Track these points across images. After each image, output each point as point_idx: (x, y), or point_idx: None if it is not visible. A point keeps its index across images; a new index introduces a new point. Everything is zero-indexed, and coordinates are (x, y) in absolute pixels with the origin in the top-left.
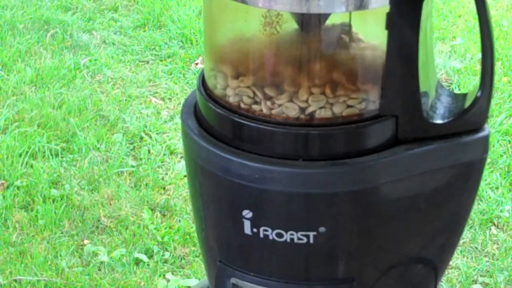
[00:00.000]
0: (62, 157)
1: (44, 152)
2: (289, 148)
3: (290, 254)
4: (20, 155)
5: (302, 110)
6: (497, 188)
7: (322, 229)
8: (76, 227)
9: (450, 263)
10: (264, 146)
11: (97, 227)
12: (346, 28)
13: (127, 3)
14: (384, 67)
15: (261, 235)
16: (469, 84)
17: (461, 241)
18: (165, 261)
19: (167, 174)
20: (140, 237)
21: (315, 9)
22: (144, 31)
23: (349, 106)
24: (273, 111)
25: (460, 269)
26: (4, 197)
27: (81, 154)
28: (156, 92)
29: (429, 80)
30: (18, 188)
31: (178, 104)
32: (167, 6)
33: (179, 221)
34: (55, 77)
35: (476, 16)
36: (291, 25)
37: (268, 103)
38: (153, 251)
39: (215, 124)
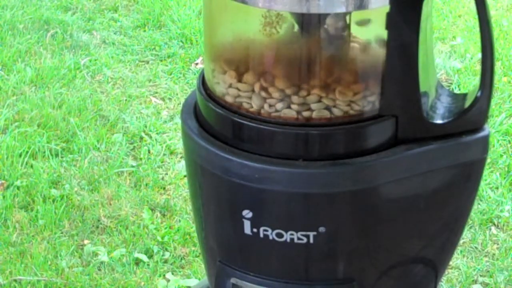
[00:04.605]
0: (62, 157)
1: (44, 152)
2: (289, 148)
3: (290, 254)
4: (20, 155)
5: (302, 110)
6: (497, 188)
7: (322, 229)
8: (76, 227)
9: (450, 263)
10: (264, 146)
11: (97, 227)
12: (346, 28)
13: (127, 3)
14: (384, 67)
15: (261, 235)
16: (469, 84)
17: (461, 241)
18: (165, 261)
19: (167, 174)
20: (140, 237)
21: (315, 9)
22: (144, 31)
23: (349, 106)
24: (273, 111)
25: (460, 269)
26: (4, 197)
27: (81, 154)
28: (156, 92)
29: (429, 80)
30: (18, 188)
31: (178, 104)
32: (167, 6)
33: (179, 221)
34: (55, 77)
35: (476, 16)
36: (291, 25)
37: (268, 102)
38: (153, 251)
39: (215, 124)
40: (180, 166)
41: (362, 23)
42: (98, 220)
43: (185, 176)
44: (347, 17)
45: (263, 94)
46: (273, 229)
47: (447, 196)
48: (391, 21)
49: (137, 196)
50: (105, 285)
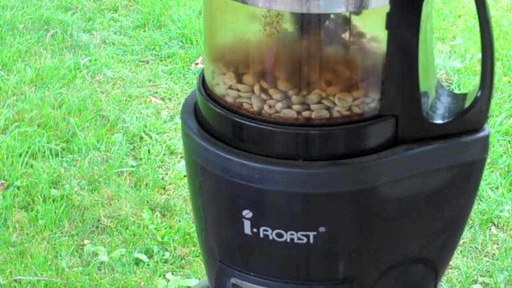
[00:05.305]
0: (62, 157)
1: (44, 152)
2: (289, 148)
3: (290, 254)
4: (20, 155)
5: (302, 110)
6: (497, 188)
7: (322, 229)
8: (76, 227)
9: (450, 263)
10: (264, 146)
11: (97, 227)
12: (346, 28)
13: (127, 3)
14: (384, 67)
15: (261, 235)
16: (469, 84)
17: (461, 241)
18: (165, 261)
19: (167, 174)
20: (140, 237)
21: (315, 9)
22: (144, 31)
23: (349, 106)
24: (273, 111)
25: (460, 269)
26: (4, 197)
27: (81, 154)
28: (156, 92)
29: (429, 80)
30: (18, 188)
31: (178, 104)
32: (167, 6)
33: (179, 221)
34: (55, 77)
35: (476, 16)
36: (291, 25)
37: (268, 103)
38: (153, 251)
39: (215, 124)
40: (180, 166)
41: (362, 23)
42: (98, 220)
43: (185, 176)
44: (347, 17)
45: (263, 94)
46: (273, 229)
47: (447, 196)
48: (391, 21)
49: (137, 196)
50: (105, 285)
